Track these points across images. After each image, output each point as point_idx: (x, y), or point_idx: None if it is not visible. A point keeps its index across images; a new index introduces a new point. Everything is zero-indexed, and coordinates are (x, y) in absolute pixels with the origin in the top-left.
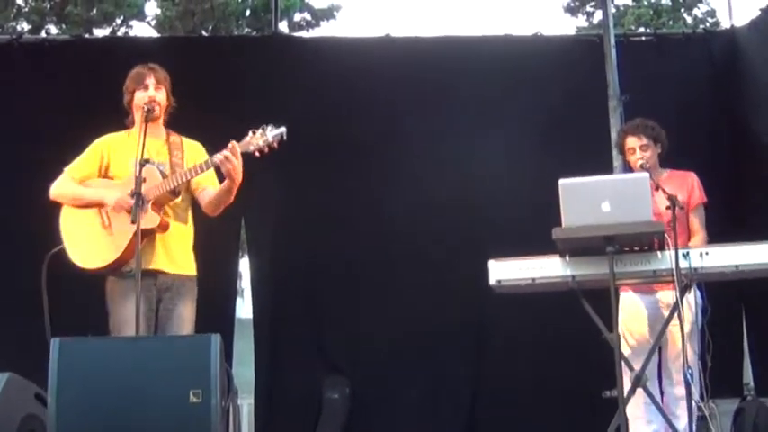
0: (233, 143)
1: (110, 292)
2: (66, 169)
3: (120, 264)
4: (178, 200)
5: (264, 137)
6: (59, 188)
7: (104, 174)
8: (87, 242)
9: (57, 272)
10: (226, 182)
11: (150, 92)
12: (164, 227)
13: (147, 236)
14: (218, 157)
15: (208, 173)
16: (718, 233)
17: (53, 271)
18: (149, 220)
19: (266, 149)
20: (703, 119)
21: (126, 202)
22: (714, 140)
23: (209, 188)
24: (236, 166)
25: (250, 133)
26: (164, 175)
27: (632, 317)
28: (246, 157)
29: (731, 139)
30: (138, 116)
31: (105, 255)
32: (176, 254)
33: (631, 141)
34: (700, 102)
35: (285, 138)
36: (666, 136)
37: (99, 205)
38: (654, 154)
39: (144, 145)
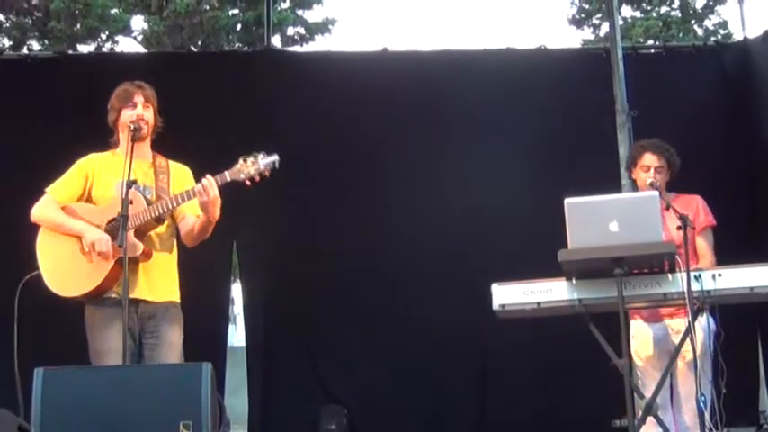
0: (208, 178)
1: (89, 322)
2: (48, 190)
3: (100, 292)
4: (162, 227)
5: (256, 165)
6: (41, 211)
7: (88, 195)
8: (65, 269)
9: (34, 298)
10: (202, 216)
11: (138, 110)
12: (147, 254)
13: (130, 264)
14: (197, 187)
15: (191, 201)
16: (734, 253)
17: (30, 297)
18: (131, 248)
19: (257, 178)
20: (716, 134)
21: (103, 246)
22: (728, 156)
23: (188, 216)
24: (212, 201)
25: (240, 160)
26: (148, 201)
27: (642, 344)
28: (236, 183)
29: (746, 155)
30: (123, 135)
31: (84, 283)
32: (158, 282)
33: (649, 159)
34: (712, 117)
35: (278, 166)
36: (678, 153)
37: (78, 236)
38: (665, 178)
39: (131, 165)
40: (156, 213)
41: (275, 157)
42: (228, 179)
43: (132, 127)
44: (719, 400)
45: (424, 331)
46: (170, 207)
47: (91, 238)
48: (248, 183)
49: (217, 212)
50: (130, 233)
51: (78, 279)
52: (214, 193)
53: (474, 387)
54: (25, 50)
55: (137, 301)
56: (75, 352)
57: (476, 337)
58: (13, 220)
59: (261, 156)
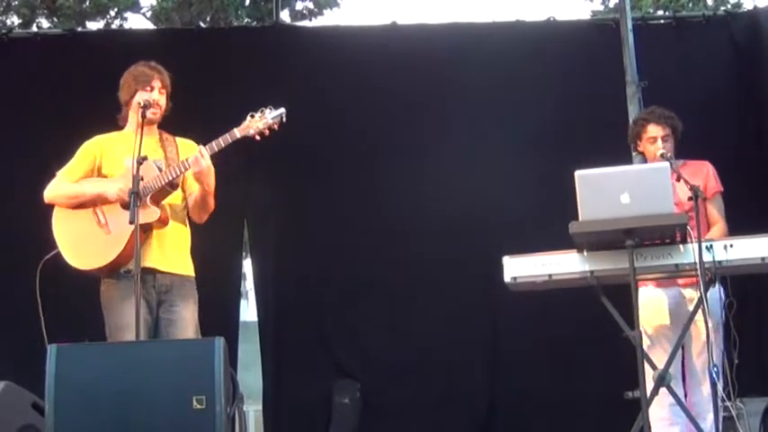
0: (200, 148)
1: (106, 297)
2: (59, 173)
3: (119, 264)
4: (177, 198)
5: (264, 119)
6: (54, 189)
7: (97, 174)
8: (84, 243)
9: (52, 277)
10: (198, 188)
11: (154, 94)
12: (163, 221)
13: (145, 231)
14: (190, 159)
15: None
16: (744, 222)
17: (48, 276)
18: (149, 214)
19: (266, 132)
20: (726, 104)
21: (126, 193)
22: (738, 126)
23: (194, 193)
24: (206, 171)
25: (248, 117)
26: (159, 169)
27: (654, 313)
28: (247, 141)
29: (755, 124)
30: (134, 115)
31: (103, 254)
32: (172, 253)
33: (654, 130)
34: (722, 86)
35: (285, 119)
36: (687, 123)
37: (99, 199)
38: (671, 145)
39: (141, 144)
40: (169, 178)
41: (282, 110)
42: (239, 136)
43: (142, 103)
44: (732, 370)
45: (435, 306)
46: (181, 170)
47: (114, 192)
48: (257, 137)
49: (212, 182)
50: (147, 199)
51: (98, 251)
52: (207, 162)
53: (485, 361)
54: (35, 28)
55: (152, 272)
56: (93, 329)
57: (487, 311)
58: (24, 201)
59: (268, 110)
